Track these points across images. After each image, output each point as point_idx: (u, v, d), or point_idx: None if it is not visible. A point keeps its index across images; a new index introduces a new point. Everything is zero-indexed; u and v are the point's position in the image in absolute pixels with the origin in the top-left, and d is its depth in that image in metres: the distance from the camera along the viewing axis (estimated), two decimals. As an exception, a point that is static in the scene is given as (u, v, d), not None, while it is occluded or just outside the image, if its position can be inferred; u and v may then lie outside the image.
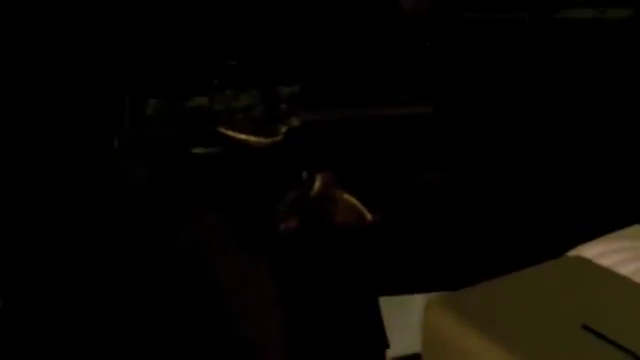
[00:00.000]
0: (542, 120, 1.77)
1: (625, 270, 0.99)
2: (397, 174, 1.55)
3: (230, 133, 1.68)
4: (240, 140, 1.66)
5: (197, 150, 1.82)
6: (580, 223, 1.31)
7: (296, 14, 2.18)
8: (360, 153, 1.58)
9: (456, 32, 1.90)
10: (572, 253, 1.07)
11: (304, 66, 2.11)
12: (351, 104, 1.77)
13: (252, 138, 1.64)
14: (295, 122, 1.62)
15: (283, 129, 1.61)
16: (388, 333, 1.32)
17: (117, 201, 2.01)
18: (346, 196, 1.45)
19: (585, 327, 0.86)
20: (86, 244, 2.01)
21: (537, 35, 1.86)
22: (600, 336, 0.84)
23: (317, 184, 1.47)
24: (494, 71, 1.86)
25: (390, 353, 1.32)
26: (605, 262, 1.01)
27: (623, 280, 0.97)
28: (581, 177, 1.65)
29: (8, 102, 2.05)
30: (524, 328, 0.89)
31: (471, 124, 1.74)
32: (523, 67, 1.84)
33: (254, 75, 2.11)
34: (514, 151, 1.69)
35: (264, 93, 1.99)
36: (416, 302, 1.02)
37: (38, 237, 2.04)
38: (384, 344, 1.32)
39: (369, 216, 1.42)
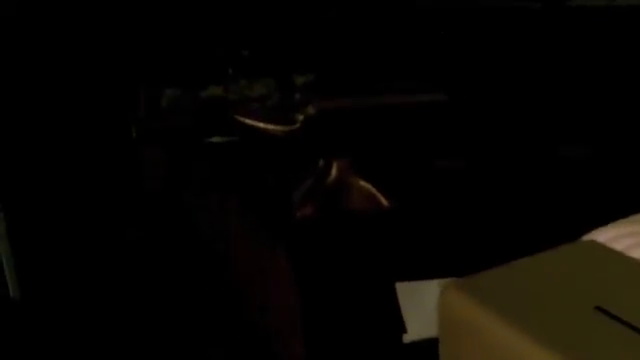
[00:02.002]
0: (555, 108, 1.77)
1: (637, 253, 1.00)
2: (412, 161, 1.56)
3: (247, 121, 1.69)
4: (257, 128, 1.67)
5: (214, 139, 1.84)
6: (594, 208, 1.33)
7: (310, 4, 2.19)
8: (376, 140, 1.59)
9: (470, 21, 1.91)
10: (586, 237, 1.09)
11: (318, 55, 2.12)
12: (366, 92, 1.78)
13: (270, 126, 1.65)
14: (311, 110, 1.63)
15: (300, 117, 1.62)
16: (404, 318, 1.34)
17: (136, 190, 2.02)
18: (362, 183, 1.47)
19: (598, 308, 0.88)
20: (105, 234, 2.02)
21: (549, 23, 1.87)
22: (613, 317, 0.86)
23: (333, 171, 1.49)
24: (507, 60, 1.86)
25: (406, 337, 1.34)
26: (618, 246, 1.03)
27: (635, 263, 0.98)
28: (594, 164, 1.66)
29: (28, 95, 2.06)
30: (539, 310, 0.91)
31: (486, 112, 1.75)
32: (536, 56, 1.85)
33: (268, 64, 2.12)
34: (528, 138, 1.70)
35: (278, 82, 2.00)
36: (432, 287, 1.03)
37: (57, 228, 2.06)
38: (401, 329, 1.33)
39: (385, 202, 1.43)
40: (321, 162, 1.51)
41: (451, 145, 1.65)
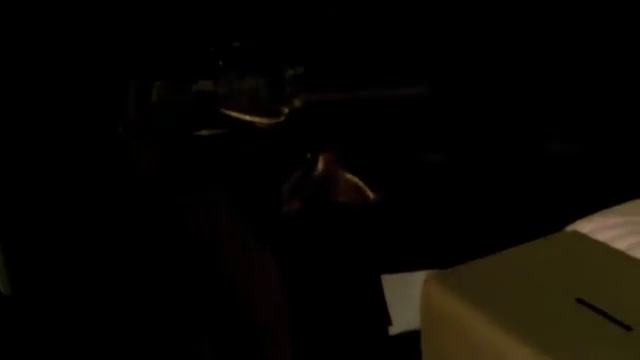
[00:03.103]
0: (542, 102, 1.77)
1: (620, 245, 1.00)
2: (399, 154, 1.56)
3: (234, 114, 1.69)
4: (244, 121, 1.67)
5: (202, 132, 1.84)
6: (578, 200, 1.33)
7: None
8: (362, 133, 1.59)
9: (457, 14, 1.90)
10: (569, 228, 1.09)
11: (309, 48, 2.12)
12: (353, 85, 1.78)
13: (255, 119, 1.65)
14: (297, 103, 1.63)
15: (285, 110, 1.62)
16: (390, 310, 1.34)
17: (124, 188, 2.02)
18: (348, 176, 1.46)
19: (579, 300, 0.88)
20: (95, 232, 2.02)
21: (537, 16, 1.86)
22: (593, 309, 0.86)
23: (320, 164, 1.49)
24: (495, 53, 1.86)
25: (392, 330, 1.34)
26: (601, 237, 1.03)
27: (618, 254, 0.99)
28: (580, 156, 1.66)
29: (15, 91, 2.06)
30: (520, 302, 0.91)
31: (473, 105, 1.74)
32: (524, 49, 1.85)
33: (259, 58, 2.12)
34: (514, 131, 1.70)
35: (268, 75, 1.99)
36: (418, 279, 1.03)
37: (48, 224, 2.06)
38: (386, 321, 1.34)
39: (371, 195, 1.43)
40: (308, 155, 1.50)
41: (438, 138, 1.65)
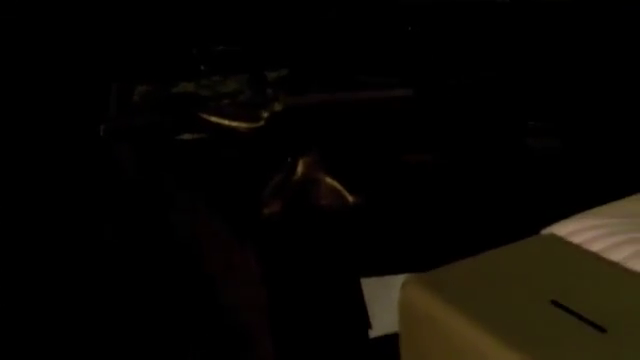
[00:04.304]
0: (524, 100, 1.79)
1: (596, 247, 1.01)
2: (380, 156, 1.57)
3: (213, 119, 1.69)
4: (224, 125, 1.68)
5: (184, 136, 1.84)
6: (557, 202, 1.34)
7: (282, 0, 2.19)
8: (343, 136, 1.60)
9: (438, 15, 1.92)
10: (546, 231, 1.10)
11: (290, 51, 2.12)
12: (334, 88, 1.79)
13: (234, 124, 1.66)
14: (277, 107, 1.63)
15: (265, 114, 1.63)
16: (370, 313, 1.35)
17: (105, 189, 2.02)
18: (328, 179, 1.47)
19: (554, 302, 0.89)
20: (76, 230, 2.02)
21: (518, 16, 1.88)
22: (568, 310, 0.87)
23: (300, 168, 1.49)
24: (476, 53, 1.87)
25: (372, 332, 1.35)
26: (577, 240, 1.04)
27: (593, 257, 1.00)
28: (562, 157, 1.67)
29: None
30: (497, 304, 0.92)
31: (453, 107, 1.76)
32: (505, 49, 1.86)
33: (241, 60, 2.12)
34: (495, 132, 1.71)
35: (251, 78, 2.00)
36: (397, 283, 1.04)
37: (26, 224, 2.05)
38: (366, 324, 1.34)
39: (351, 199, 1.44)
40: (289, 158, 1.51)
41: (419, 140, 1.66)
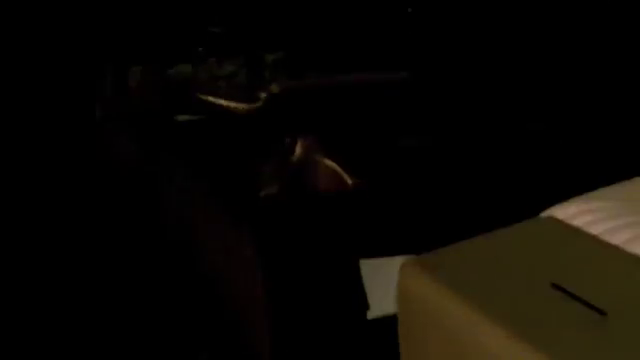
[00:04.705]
0: (522, 83, 1.78)
1: (595, 230, 1.01)
2: (378, 139, 1.56)
3: (211, 100, 1.68)
4: (221, 106, 1.67)
5: (181, 118, 1.83)
6: (556, 185, 1.33)
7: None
8: (341, 119, 1.59)
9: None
10: (545, 214, 1.10)
11: (287, 33, 2.11)
12: (331, 70, 1.78)
13: (232, 104, 1.65)
14: (275, 89, 1.62)
15: (263, 95, 1.62)
16: (368, 295, 1.35)
17: (102, 172, 2.01)
18: (327, 161, 1.46)
19: (554, 285, 0.89)
20: (71, 219, 2.01)
21: (513, 1, 1.87)
22: (568, 293, 0.87)
23: (298, 150, 1.49)
24: (474, 36, 1.87)
25: (370, 314, 1.35)
26: (576, 222, 1.04)
27: (593, 240, 0.99)
28: (561, 141, 1.67)
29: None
30: (496, 287, 0.92)
31: (450, 89, 1.75)
32: (502, 32, 1.85)
33: (238, 42, 2.11)
34: (492, 116, 1.71)
35: (248, 60, 1.99)
36: (395, 264, 1.04)
37: (24, 212, 2.04)
38: (364, 305, 1.34)
39: (349, 181, 1.43)
40: (287, 140, 1.50)
41: (417, 123, 1.65)
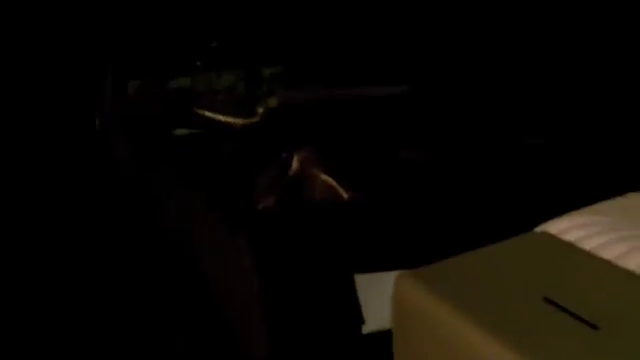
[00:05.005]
0: (519, 97, 1.79)
1: (588, 245, 1.02)
2: (375, 153, 1.57)
3: (208, 114, 1.70)
4: (219, 120, 1.68)
5: (179, 131, 1.84)
6: (551, 200, 1.34)
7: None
8: (339, 132, 1.60)
9: (433, 12, 1.92)
10: (538, 229, 1.11)
11: (286, 47, 2.12)
12: (329, 84, 1.79)
13: (230, 119, 1.66)
14: (273, 102, 1.63)
15: (260, 110, 1.63)
16: (364, 309, 1.35)
17: (100, 183, 2.02)
18: (323, 175, 1.47)
19: (546, 299, 0.89)
20: (68, 225, 2.01)
21: (510, 12, 1.88)
22: (560, 307, 0.88)
23: (295, 163, 1.49)
24: (472, 50, 1.88)
25: (365, 328, 1.35)
26: (569, 237, 1.05)
27: (585, 254, 1.00)
28: (556, 155, 1.68)
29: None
30: (489, 301, 0.93)
31: (449, 104, 1.76)
32: (501, 47, 1.86)
33: (237, 56, 2.12)
34: (490, 130, 1.72)
35: (246, 74, 2.00)
36: (391, 279, 1.04)
37: (19, 220, 2.04)
38: (359, 320, 1.35)
39: (345, 195, 1.44)
40: (284, 154, 1.51)
41: (414, 137, 1.66)
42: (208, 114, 1.70)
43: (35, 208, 2.05)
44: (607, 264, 0.97)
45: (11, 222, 2.04)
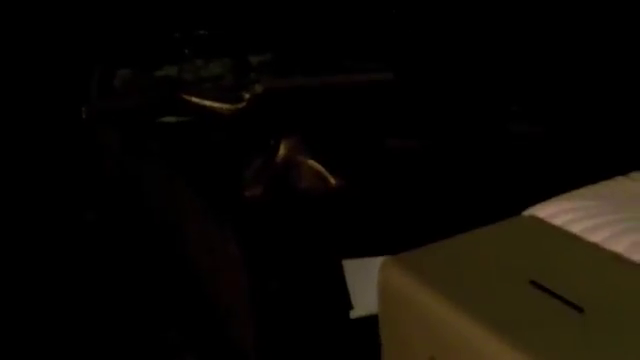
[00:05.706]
0: (505, 84, 1.79)
1: (575, 228, 1.02)
2: (362, 140, 1.57)
3: (195, 100, 1.69)
4: (205, 107, 1.67)
5: (166, 119, 1.84)
6: (539, 185, 1.34)
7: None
8: (326, 119, 1.60)
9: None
10: (526, 213, 1.10)
11: (274, 35, 2.12)
12: (316, 71, 1.79)
13: (216, 105, 1.65)
14: (258, 89, 1.63)
15: (246, 96, 1.62)
16: (351, 294, 1.35)
17: (87, 171, 2.01)
18: (310, 162, 1.47)
19: (532, 282, 0.89)
20: (56, 216, 2.01)
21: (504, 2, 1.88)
22: (546, 290, 0.87)
23: (282, 150, 1.49)
24: (459, 37, 1.88)
25: (353, 313, 1.35)
26: (557, 221, 1.05)
27: (573, 238, 1.00)
28: (544, 141, 1.68)
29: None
30: (476, 285, 0.92)
31: (436, 91, 1.76)
32: (487, 33, 1.86)
33: (225, 44, 2.12)
34: (477, 114, 1.72)
35: (234, 62, 1.99)
36: (379, 264, 1.04)
37: (11, 210, 2.04)
38: (348, 305, 1.34)
39: (333, 181, 1.44)
40: (271, 141, 1.51)
41: (402, 124, 1.66)
42: (195, 100, 1.70)
43: (20, 198, 2.04)
44: (594, 247, 0.97)
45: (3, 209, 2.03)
